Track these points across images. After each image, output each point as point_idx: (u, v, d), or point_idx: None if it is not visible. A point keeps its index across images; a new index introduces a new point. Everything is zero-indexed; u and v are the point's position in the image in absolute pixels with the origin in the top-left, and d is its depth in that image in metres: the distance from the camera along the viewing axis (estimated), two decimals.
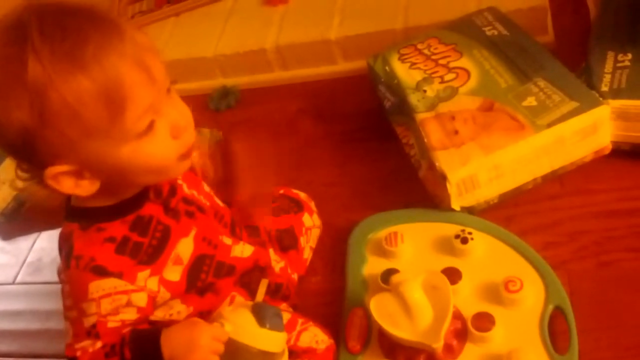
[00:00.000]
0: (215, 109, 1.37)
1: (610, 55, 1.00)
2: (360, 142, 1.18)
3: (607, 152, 0.98)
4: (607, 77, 0.98)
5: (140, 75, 0.62)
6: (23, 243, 1.32)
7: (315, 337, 0.83)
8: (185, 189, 0.77)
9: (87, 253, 0.69)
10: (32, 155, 0.63)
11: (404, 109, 1.08)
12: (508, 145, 0.95)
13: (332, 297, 0.93)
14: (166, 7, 1.52)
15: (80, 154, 0.63)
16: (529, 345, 0.79)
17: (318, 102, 1.30)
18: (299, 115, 1.29)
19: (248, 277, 0.83)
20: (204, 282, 0.77)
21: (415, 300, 0.78)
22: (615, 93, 0.96)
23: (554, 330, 0.81)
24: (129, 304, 0.70)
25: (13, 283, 1.27)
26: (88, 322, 0.69)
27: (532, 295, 0.84)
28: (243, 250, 0.83)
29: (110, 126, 0.62)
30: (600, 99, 0.96)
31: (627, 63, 0.98)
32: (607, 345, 0.79)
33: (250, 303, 0.72)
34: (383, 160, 1.13)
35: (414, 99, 1.07)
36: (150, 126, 0.64)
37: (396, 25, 1.26)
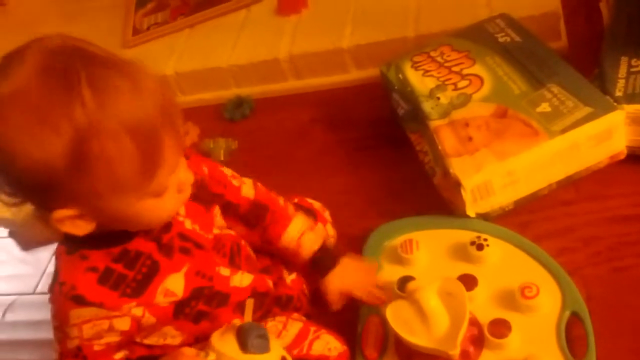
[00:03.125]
0: (229, 118, 1.38)
1: (624, 61, 1.00)
2: (374, 149, 1.19)
3: (622, 157, 0.98)
4: (621, 82, 0.98)
5: (174, 140, 0.64)
6: (43, 253, 1.34)
7: (327, 344, 0.83)
8: (187, 225, 0.76)
9: (70, 280, 0.69)
10: (44, 196, 0.63)
11: (418, 116, 1.08)
12: (522, 151, 0.96)
13: (347, 305, 0.94)
14: (181, 18, 1.54)
15: (96, 204, 0.63)
16: (545, 352, 0.79)
17: (331, 110, 1.31)
18: (312, 124, 1.30)
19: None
20: (193, 310, 0.76)
21: (431, 307, 0.79)
22: (630, 98, 0.95)
23: (571, 336, 0.81)
24: (111, 328, 0.71)
25: (34, 293, 1.30)
26: (72, 344, 0.70)
27: (549, 301, 0.84)
28: (242, 279, 0.82)
29: (137, 185, 0.63)
30: (615, 104, 0.96)
31: None
32: (624, 352, 0.79)
33: (238, 325, 0.71)
34: (397, 167, 1.13)
35: (427, 106, 1.07)
36: (167, 185, 0.67)
37: (408, 33, 1.27)
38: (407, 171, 1.10)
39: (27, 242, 1.38)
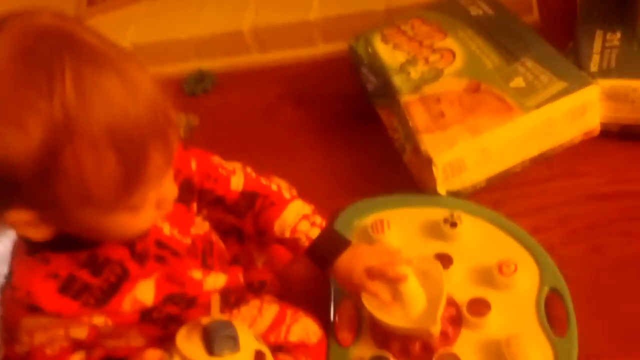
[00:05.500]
0: (190, 93, 1.32)
1: (599, 35, 0.99)
2: (343, 127, 1.15)
3: (596, 133, 0.97)
4: (596, 57, 0.96)
5: (163, 156, 0.56)
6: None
7: (306, 328, 0.80)
8: (165, 230, 0.69)
9: (25, 287, 0.62)
10: (2, 193, 0.54)
11: (388, 92, 1.05)
12: (495, 127, 0.93)
13: (318, 285, 0.90)
14: None
15: (59, 213, 0.55)
16: (526, 329, 0.77)
17: (298, 86, 1.26)
18: (278, 100, 1.25)
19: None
20: (161, 314, 0.70)
21: (407, 288, 0.76)
22: (605, 73, 0.94)
23: (551, 313, 0.79)
24: (66, 336, 0.65)
25: None
26: (21, 349, 0.65)
27: (527, 278, 0.82)
28: (216, 281, 0.76)
29: (112, 200, 0.55)
30: (590, 79, 0.94)
31: (616, 42, 0.97)
32: (604, 332, 0.78)
33: (204, 323, 0.66)
34: (367, 145, 1.10)
35: (397, 80, 1.04)
36: (146, 201, 0.59)
37: (378, 6, 1.23)
38: (377, 149, 1.07)
39: None
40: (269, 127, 1.21)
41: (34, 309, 0.62)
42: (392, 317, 0.75)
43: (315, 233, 0.79)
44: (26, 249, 0.63)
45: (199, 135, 1.23)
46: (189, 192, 0.74)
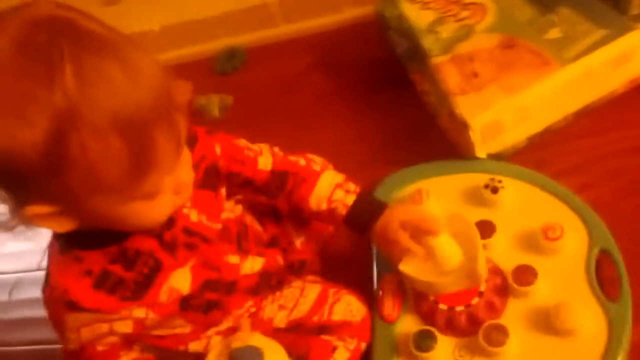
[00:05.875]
0: (221, 71, 1.31)
1: None
2: (375, 93, 1.13)
3: None
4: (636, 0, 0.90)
5: (172, 143, 0.56)
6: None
7: (349, 306, 0.80)
8: (192, 217, 0.69)
9: (61, 284, 0.63)
10: (18, 188, 0.55)
11: (418, 54, 1.01)
12: (533, 84, 0.89)
13: (360, 260, 0.89)
14: None
15: (75, 203, 0.55)
16: (576, 295, 0.75)
17: (326, 54, 1.24)
18: (308, 70, 1.23)
19: (257, 286, 0.78)
20: (201, 301, 0.71)
21: (443, 248, 0.73)
22: None
23: (602, 276, 0.76)
24: (111, 331, 0.66)
25: (38, 269, 1.26)
26: (72, 346, 0.66)
27: (574, 241, 0.79)
28: (253, 265, 0.76)
29: (124, 187, 0.55)
30: (631, 23, 0.88)
31: None
32: None
33: (235, 344, 0.64)
34: (400, 111, 1.07)
35: (427, 42, 1.00)
36: (161, 187, 0.59)
37: None
38: (412, 114, 1.05)
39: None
40: (300, 99, 1.20)
41: (73, 306, 0.63)
42: (430, 275, 0.74)
43: (350, 200, 0.78)
44: (59, 248, 0.64)
45: (233, 114, 1.23)
46: (215, 177, 0.74)
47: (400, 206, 0.80)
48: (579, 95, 0.91)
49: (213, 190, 0.73)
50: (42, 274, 1.23)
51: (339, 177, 0.80)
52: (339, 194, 0.79)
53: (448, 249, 0.74)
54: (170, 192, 0.60)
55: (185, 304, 0.70)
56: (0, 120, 0.51)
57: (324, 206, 0.78)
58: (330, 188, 0.79)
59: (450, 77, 0.94)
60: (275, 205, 0.84)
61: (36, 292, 1.21)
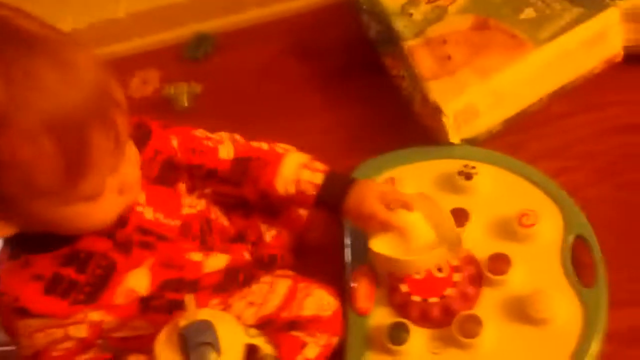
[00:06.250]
0: (191, 57, 1.28)
1: None
2: (349, 79, 1.10)
3: (618, 59, 0.90)
4: None
5: (109, 142, 0.54)
6: None
7: (320, 300, 0.77)
8: (147, 215, 0.67)
9: (12, 292, 0.61)
10: None
11: (391, 38, 0.98)
12: (507, 66, 0.87)
13: (332, 253, 0.87)
14: None
15: (14, 209, 0.54)
16: (551, 283, 0.73)
17: (300, 39, 1.21)
18: (281, 56, 1.20)
19: (223, 284, 0.75)
20: (162, 302, 0.69)
21: (412, 223, 0.72)
22: None
23: (578, 262, 0.75)
24: (66, 337, 0.63)
25: None
26: (27, 352, 0.63)
27: (550, 227, 0.77)
28: (217, 262, 0.74)
29: (60, 190, 0.53)
30: (607, 1, 0.86)
31: None
32: (635, 279, 0.73)
33: (182, 322, 0.61)
34: (375, 97, 1.04)
35: (399, 24, 0.97)
36: (102, 188, 0.57)
37: None
38: (386, 100, 1.02)
39: None
40: (273, 86, 1.17)
41: (24, 313, 0.61)
42: (401, 252, 0.72)
43: (319, 178, 0.76)
44: (8, 253, 0.62)
45: (203, 103, 1.19)
46: (172, 172, 0.71)
47: (371, 181, 0.78)
48: (555, 76, 0.89)
49: (170, 185, 0.70)
50: None
51: (304, 157, 0.78)
52: (306, 174, 0.76)
53: (422, 226, 0.73)
54: (114, 192, 0.58)
55: (145, 305, 0.68)
56: None
57: (291, 189, 0.76)
58: (296, 169, 0.76)
59: (423, 61, 0.91)
60: (245, 196, 0.82)
61: None
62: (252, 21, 1.28)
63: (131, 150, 0.60)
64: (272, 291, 0.78)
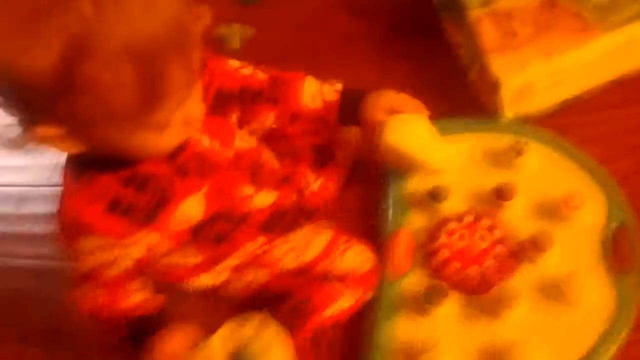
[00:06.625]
0: (244, 2, 1.27)
1: None
2: (403, 39, 1.09)
3: None
4: None
5: (185, 74, 0.56)
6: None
7: (360, 255, 0.80)
8: (204, 142, 0.70)
9: (74, 207, 0.64)
10: (27, 108, 0.55)
11: (455, 4, 0.98)
12: (571, 48, 0.86)
13: (373, 210, 0.88)
14: None
15: (86, 128, 0.56)
16: (588, 266, 0.75)
17: None
18: (334, 9, 1.19)
19: (270, 223, 0.78)
20: (212, 232, 0.72)
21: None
22: None
23: (617, 250, 0.76)
24: (123, 255, 0.66)
25: (47, 185, 1.24)
26: (84, 268, 0.67)
27: (594, 212, 0.78)
28: (265, 198, 0.77)
29: (133, 117, 0.56)
30: None
31: None
32: None
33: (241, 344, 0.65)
34: (428, 60, 1.04)
35: None
36: (171, 119, 0.59)
37: None
38: (438, 64, 1.01)
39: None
40: (324, 38, 1.16)
41: (85, 230, 0.64)
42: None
43: (339, 87, 0.82)
44: (72, 171, 0.64)
45: (253, 46, 1.19)
46: (225, 102, 0.74)
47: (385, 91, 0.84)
48: (617, 65, 0.89)
49: (223, 116, 0.73)
50: (50, 189, 1.23)
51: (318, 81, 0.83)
52: (327, 87, 0.82)
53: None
54: (179, 123, 0.60)
55: (197, 233, 0.70)
56: (15, 37, 0.51)
57: (318, 102, 0.81)
58: (317, 84, 0.82)
59: (487, 33, 0.91)
60: (291, 139, 0.84)
61: (43, 207, 1.21)
62: None
63: (197, 85, 0.62)
64: (314, 240, 0.81)
